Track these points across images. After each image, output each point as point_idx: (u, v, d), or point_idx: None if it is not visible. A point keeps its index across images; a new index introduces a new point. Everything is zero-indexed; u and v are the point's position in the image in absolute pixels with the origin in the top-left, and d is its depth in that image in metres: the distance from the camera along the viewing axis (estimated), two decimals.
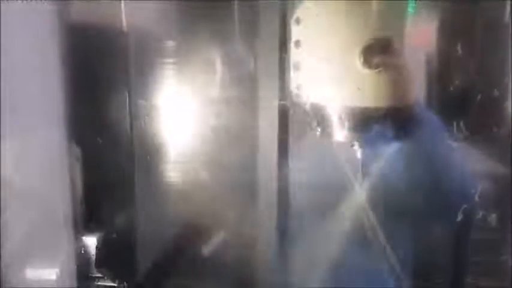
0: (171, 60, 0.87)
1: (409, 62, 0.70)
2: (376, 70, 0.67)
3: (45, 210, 0.79)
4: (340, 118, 0.70)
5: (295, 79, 0.73)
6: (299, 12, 0.71)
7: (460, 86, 0.80)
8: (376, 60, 0.66)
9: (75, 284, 0.78)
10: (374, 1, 0.67)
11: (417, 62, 0.76)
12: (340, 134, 0.70)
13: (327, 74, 0.70)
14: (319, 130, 0.73)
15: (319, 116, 0.72)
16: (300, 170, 0.83)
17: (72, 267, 0.78)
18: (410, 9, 0.77)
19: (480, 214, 0.79)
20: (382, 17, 0.68)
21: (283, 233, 0.84)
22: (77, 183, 0.84)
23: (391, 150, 0.81)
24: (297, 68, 0.73)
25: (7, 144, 0.77)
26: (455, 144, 0.80)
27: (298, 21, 0.71)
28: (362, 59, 0.66)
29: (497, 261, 0.81)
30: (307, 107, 0.73)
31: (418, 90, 0.75)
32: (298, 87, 0.74)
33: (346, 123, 0.70)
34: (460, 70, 0.79)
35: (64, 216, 0.79)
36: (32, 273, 0.77)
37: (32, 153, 0.78)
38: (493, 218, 0.79)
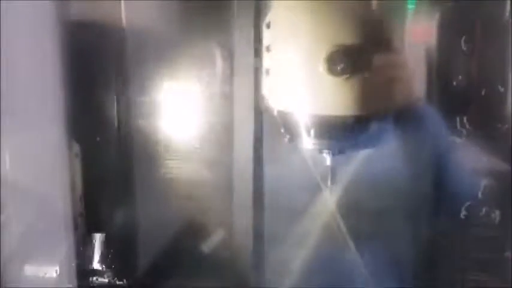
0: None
1: (382, 68, 0.68)
2: (341, 78, 0.65)
3: (45, 207, 0.79)
4: (306, 126, 0.68)
5: (266, 84, 0.72)
6: (270, 15, 0.69)
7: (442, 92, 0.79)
8: (340, 68, 0.64)
9: (75, 281, 0.78)
10: (340, 7, 0.65)
11: (391, 68, 0.72)
12: (307, 141, 0.69)
13: (293, 81, 0.67)
14: (288, 137, 0.72)
15: (286, 123, 0.71)
16: (273, 174, 0.84)
17: (72, 264, 0.79)
18: (410, 6, 0.77)
19: (483, 211, 0.80)
20: (348, 23, 0.65)
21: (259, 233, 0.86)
22: (76, 180, 0.83)
23: (362, 157, 0.82)
24: (267, 72, 0.70)
25: (6, 142, 0.76)
26: (453, 144, 0.80)
27: (268, 25, 0.69)
28: (325, 67, 0.64)
29: (499, 258, 0.81)
30: (275, 113, 0.72)
31: (391, 98, 0.73)
32: (269, 92, 0.73)
33: (313, 131, 0.68)
34: (441, 75, 0.78)
35: (64, 213, 0.79)
36: (31, 270, 0.77)
37: (31, 150, 0.78)
38: (496, 214, 0.79)
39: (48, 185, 0.79)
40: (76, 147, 0.84)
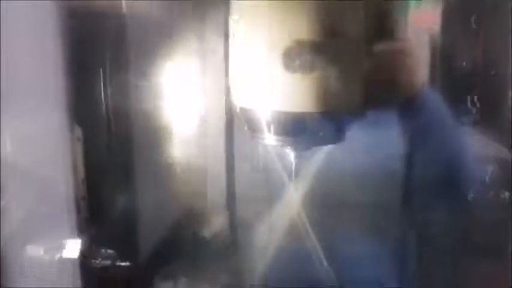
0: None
1: (347, 64, 0.66)
2: (299, 74, 0.63)
3: (47, 190, 0.79)
4: (267, 122, 0.67)
5: (231, 79, 0.71)
6: (237, 10, 0.68)
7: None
8: (297, 63, 0.63)
9: (77, 262, 0.78)
10: (299, 3, 0.63)
11: (359, 63, 0.69)
12: (269, 138, 0.68)
13: (254, 77, 0.66)
14: (251, 133, 0.72)
15: (248, 119, 0.70)
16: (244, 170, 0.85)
17: (74, 246, 0.79)
18: None
19: (490, 194, 0.80)
20: (307, 18, 0.63)
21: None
22: (78, 163, 0.83)
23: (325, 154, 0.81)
24: (233, 68, 0.70)
25: (7, 124, 0.76)
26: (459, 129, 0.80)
27: (235, 20, 0.68)
28: (282, 62, 0.63)
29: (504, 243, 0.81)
30: (238, 109, 0.72)
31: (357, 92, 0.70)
32: (231, 88, 0.71)
33: (274, 128, 0.67)
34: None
35: (66, 196, 0.79)
36: (33, 252, 0.77)
37: (33, 133, 0.78)
38: (505, 196, 0.79)
39: (50, 168, 0.79)
40: (78, 131, 0.84)
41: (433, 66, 0.83)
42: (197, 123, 0.89)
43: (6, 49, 0.75)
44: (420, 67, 0.76)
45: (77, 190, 0.81)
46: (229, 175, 0.90)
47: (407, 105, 0.76)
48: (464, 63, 0.83)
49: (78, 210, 0.81)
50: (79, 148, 0.83)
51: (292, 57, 0.62)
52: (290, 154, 0.74)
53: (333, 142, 0.72)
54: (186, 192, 0.94)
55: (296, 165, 0.76)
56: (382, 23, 0.71)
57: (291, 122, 0.66)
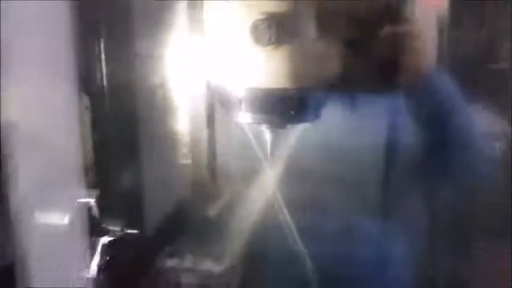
0: None
1: (313, 39, 0.65)
2: (268, 48, 0.62)
3: (55, 158, 0.78)
4: (241, 99, 0.66)
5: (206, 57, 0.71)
6: None
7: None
8: (266, 37, 0.61)
9: (86, 229, 0.77)
10: None
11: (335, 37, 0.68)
12: (244, 115, 0.68)
13: (226, 52, 0.66)
14: (225, 111, 0.71)
15: (222, 96, 0.69)
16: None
17: (84, 213, 0.78)
18: None
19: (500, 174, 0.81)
20: None
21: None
22: (86, 133, 0.83)
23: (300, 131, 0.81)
24: (207, 45, 0.70)
25: (16, 90, 0.75)
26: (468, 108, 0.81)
27: None
28: (251, 36, 0.62)
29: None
30: (210, 86, 0.71)
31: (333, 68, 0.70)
32: (206, 64, 0.72)
33: (248, 105, 0.66)
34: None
35: (74, 165, 0.79)
36: (42, 218, 0.76)
37: (41, 99, 0.77)
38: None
39: (58, 136, 0.78)
40: (86, 100, 0.83)
41: (440, 47, 0.83)
42: (203, 95, 0.89)
43: (15, 16, 0.74)
44: (428, 48, 0.76)
45: (85, 159, 0.81)
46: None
47: (415, 86, 0.76)
48: (471, 43, 0.83)
49: (86, 179, 0.81)
50: (87, 118, 0.83)
51: (261, 30, 0.61)
52: (266, 133, 0.73)
53: (309, 120, 0.70)
54: (191, 165, 0.94)
55: (272, 144, 0.74)
56: (389, 4, 0.71)
57: (264, 99, 0.65)
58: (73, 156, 0.78)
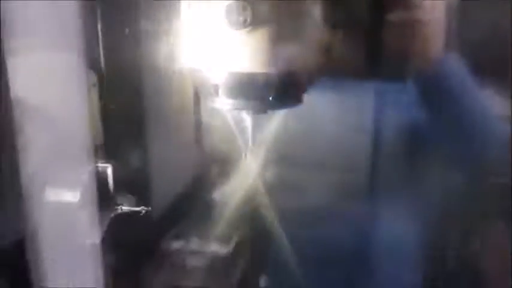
0: None
1: (291, 21, 0.63)
2: (244, 31, 0.60)
3: (64, 134, 0.77)
4: (219, 84, 0.65)
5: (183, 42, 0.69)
6: None
7: None
8: (240, 19, 0.60)
9: (96, 207, 0.76)
10: None
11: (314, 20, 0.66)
12: (222, 101, 0.66)
13: (203, 37, 0.64)
14: (202, 96, 0.70)
15: (200, 82, 0.68)
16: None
17: (93, 191, 0.77)
18: None
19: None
20: None
21: None
22: (94, 110, 0.82)
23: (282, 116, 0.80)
24: (183, 30, 0.68)
25: (24, 64, 0.75)
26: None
27: None
28: (226, 20, 0.60)
29: None
30: (187, 72, 0.70)
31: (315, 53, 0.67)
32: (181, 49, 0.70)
33: (226, 90, 0.65)
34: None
35: (83, 141, 0.78)
36: (52, 195, 0.75)
37: (50, 74, 0.77)
38: None
39: (67, 111, 0.78)
40: (93, 77, 0.83)
41: (450, 34, 0.83)
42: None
43: None
44: (437, 35, 0.74)
45: (93, 136, 0.80)
46: None
47: (425, 74, 0.76)
48: (482, 27, 0.83)
49: (96, 156, 0.80)
50: (95, 94, 0.82)
51: (235, 12, 0.60)
52: (246, 119, 0.72)
53: (290, 105, 0.69)
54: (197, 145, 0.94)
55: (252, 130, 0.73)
56: None
57: (241, 84, 0.63)
58: (82, 132, 0.77)
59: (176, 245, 0.96)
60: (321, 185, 0.90)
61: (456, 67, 0.79)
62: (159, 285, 0.92)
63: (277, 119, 0.86)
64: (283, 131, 0.86)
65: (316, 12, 0.64)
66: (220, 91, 0.65)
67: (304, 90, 0.68)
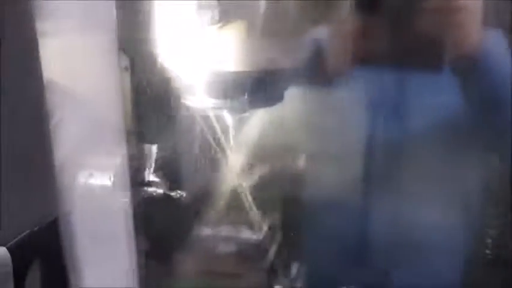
0: None
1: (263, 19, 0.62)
2: (215, 28, 0.60)
3: (97, 116, 0.77)
4: (199, 84, 0.64)
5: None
6: None
7: None
8: (211, 16, 0.60)
9: (129, 191, 0.76)
10: None
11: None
12: (201, 100, 0.65)
13: (179, 37, 0.64)
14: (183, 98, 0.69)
15: (179, 82, 0.67)
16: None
17: (126, 174, 0.77)
18: None
19: None
20: None
21: None
22: (126, 93, 0.82)
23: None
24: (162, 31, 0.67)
25: (57, 44, 0.75)
26: None
27: None
28: (198, 17, 0.60)
29: None
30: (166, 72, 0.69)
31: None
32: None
33: (206, 90, 0.64)
34: None
35: (116, 124, 0.78)
36: (86, 178, 0.75)
37: (82, 56, 0.76)
38: None
39: (100, 94, 0.78)
40: (125, 61, 0.82)
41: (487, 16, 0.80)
42: None
43: None
44: (474, 20, 0.72)
45: (126, 119, 0.80)
46: None
47: (463, 60, 0.73)
48: None
49: (128, 139, 0.80)
50: (127, 78, 0.82)
51: (205, 9, 0.59)
52: (227, 118, 0.71)
53: (268, 104, 0.68)
54: None
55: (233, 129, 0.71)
56: None
57: (216, 84, 0.63)
58: (115, 115, 0.77)
59: (208, 230, 0.96)
60: (356, 171, 0.89)
61: (495, 51, 0.76)
62: (191, 270, 0.91)
63: (307, 108, 0.85)
64: (314, 121, 0.85)
65: (294, 9, 0.63)
66: (196, 90, 0.64)
67: (284, 88, 0.67)
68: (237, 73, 0.61)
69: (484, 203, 0.89)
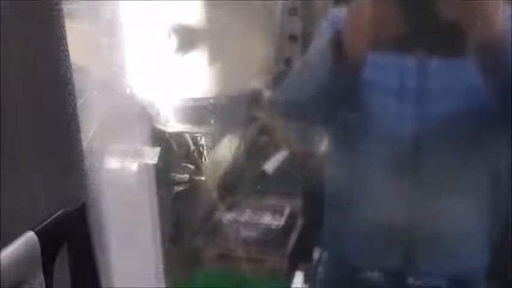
0: None
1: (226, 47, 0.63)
2: (174, 57, 0.61)
3: (123, 100, 0.77)
4: (169, 110, 0.66)
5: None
6: None
7: None
8: (177, 44, 0.61)
9: (153, 176, 0.76)
10: None
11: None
12: (173, 125, 0.66)
13: (150, 63, 0.65)
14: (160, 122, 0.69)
15: (154, 108, 0.67)
16: None
17: (153, 160, 0.77)
18: None
19: None
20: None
21: None
22: None
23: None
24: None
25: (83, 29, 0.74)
26: None
27: None
28: (166, 43, 0.61)
29: None
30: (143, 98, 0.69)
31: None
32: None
33: (175, 115, 0.66)
34: None
35: (142, 109, 0.78)
36: (112, 163, 0.75)
37: (106, 42, 0.76)
38: None
39: (126, 80, 0.77)
40: None
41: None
42: None
43: None
44: (498, 4, 0.71)
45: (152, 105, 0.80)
46: None
47: (486, 45, 0.73)
48: None
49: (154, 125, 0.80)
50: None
51: (172, 37, 0.60)
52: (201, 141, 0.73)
53: (234, 129, 0.70)
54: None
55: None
56: None
57: (183, 109, 0.65)
58: (140, 101, 0.77)
59: (230, 215, 0.96)
60: (380, 158, 0.88)
61: None
62: (213, 254, 0.92)
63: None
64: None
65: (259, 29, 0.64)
66: (166, 115, 0.65)
67: (249, 113, 0.68)
68: (202, 99, 0.61)
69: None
